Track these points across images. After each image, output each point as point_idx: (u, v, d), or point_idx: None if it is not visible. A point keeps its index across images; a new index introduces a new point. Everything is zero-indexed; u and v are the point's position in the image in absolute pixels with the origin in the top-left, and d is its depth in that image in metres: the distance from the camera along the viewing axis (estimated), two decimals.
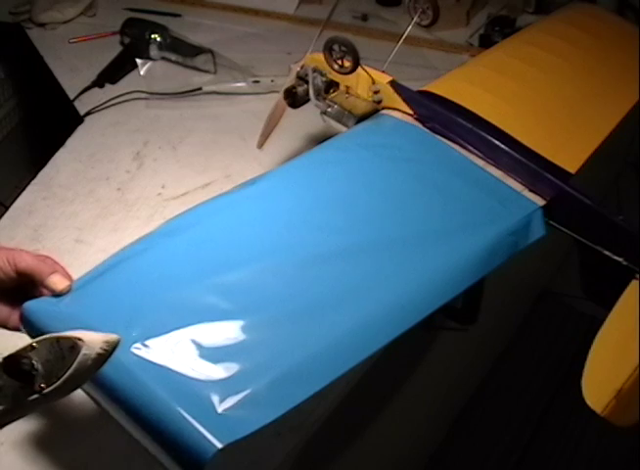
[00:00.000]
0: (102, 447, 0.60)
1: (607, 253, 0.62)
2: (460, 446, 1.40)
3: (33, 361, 0.38)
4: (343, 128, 0.77)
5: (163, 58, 1.16)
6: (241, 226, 0.60)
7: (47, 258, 0.53)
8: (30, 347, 0.38)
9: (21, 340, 0.47)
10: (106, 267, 0.54)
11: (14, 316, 0.52)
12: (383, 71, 0.76)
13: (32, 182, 0.92)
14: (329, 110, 0.79)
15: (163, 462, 0.47)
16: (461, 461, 1.39)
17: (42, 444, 0.60)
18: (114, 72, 1.13)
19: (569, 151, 0.71)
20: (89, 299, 0.52)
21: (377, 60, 0.77)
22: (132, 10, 1.29)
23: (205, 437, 0.44)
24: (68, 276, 0.52)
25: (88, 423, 0.61)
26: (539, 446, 1.43)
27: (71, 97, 1.05)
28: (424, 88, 0.78)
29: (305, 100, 0.81)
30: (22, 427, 0.61)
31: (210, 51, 1.12)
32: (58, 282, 0.51)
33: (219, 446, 0.43)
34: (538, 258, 1.25)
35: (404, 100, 0.74)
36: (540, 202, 0.65)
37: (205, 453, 0.43)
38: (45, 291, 0.52)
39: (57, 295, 0.51)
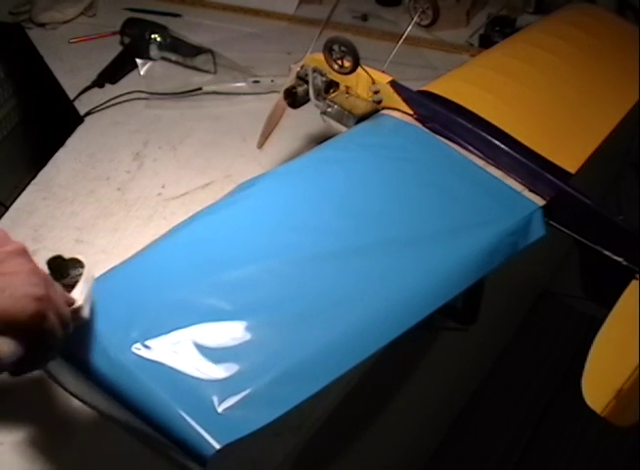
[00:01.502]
0: (102, 448, 0.60)
1: (607, 253, 0.62)
2: (460, 445, 1.40)
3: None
4: (343, 128, 0.77)
5: (163, 58, 1.16)
6: (241, 227, 0.60)
7: None
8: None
9: None
10: (107, 271, 0.55)
11: None
12: (383, 71, 0.76)
13: (32, 182, 0.92)
14: (329, 110, 0.79)
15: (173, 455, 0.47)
16: (461, 461, 1.39)
17: (42, 444, 0.60)
18: (114, 72, 1.13)
19: (569, 151, 0.71)
20: None
21: (377, 60, 0.77)
22: (132, 10, 1.29)
23: (203, 437, 0.44)
24: None
25: (88, 423, 0.61)
26: (539, 447, 1.43)
27: (71, 97, 1.05)
28: (424, 88, 0.78)
29: (305, 100, 0.81)
30: (23, 428, 0.61)
31: (210, 51, 1.12)
32: None
33: (217, 446, 0.43)
34: (538, 258, 1.25)
35: (404, 100, 0.74)
36: (540, 202, 0.65)
37: (204, 454, 0.43)
38: None
39: None
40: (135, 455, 0.58)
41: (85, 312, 0.47)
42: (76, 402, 0.56)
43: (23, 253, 0.44)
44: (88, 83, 1.10)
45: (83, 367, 0.48)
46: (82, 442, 0.60)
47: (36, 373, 0.54)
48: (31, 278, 0.42)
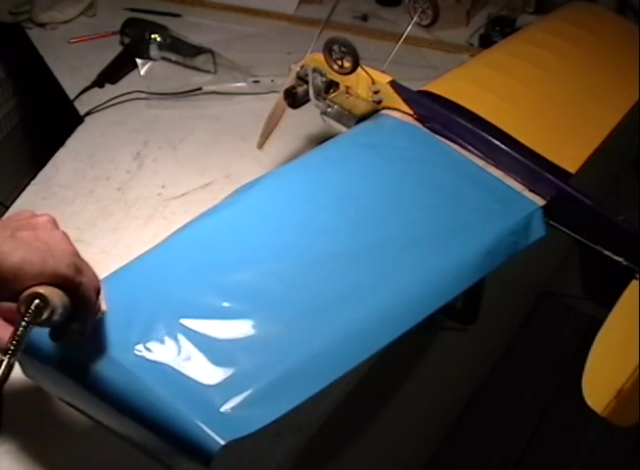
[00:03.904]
0: (98, 454, 0.60)
1: (607, 253, 0.62)
2: (460, 446, 1.40)
3: None
4: (343, 128, 0.77)
5: (163, 58, 1.16)
6: (242, 228, 0.60)
7: None
8: None
9: None
10: (108, 274, 0.55)
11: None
12: (383, 71, 0.76)
13: (32, 182, 0.92)
14: (329, 110, 0.79)
15: (171, 462, 0.47)
16: (461, 461, 1.39)
17: (39, 447, 0.60)
18: (114, 72, 1.13)
19: (569, 150, 0.71)
20: None
21: (377, 60, 0.77)
22: (132, 10, 1.29)
23: (208, 434, 0.44)
24: None
25: (84, 429, 0.61)
26: (539, 447, 1.42)
27: (71, 97, 1.05)
28: (424, 88, 0.78)
29: (305, 100, 0.81)
30: (20, 429, 0.61)
31: (210, 51, 1.12)
32: None
33: (222, 442, 0.43)
34: (538, 258, 1.25)
35: (404, 100, 0.74)
36: (540, 202, 0.65)
37: (209, 450, 0.43)
38: None
39: None
40: (131, 461, 0.58)
41: (104, 306, 0.48)
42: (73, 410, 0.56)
43: (54, 222, 0.48)
44: (88, 83, 1.10)
45: (83, 368, 0.48)
46: (79, 447, 0.60)
47: (30, 382, 0.54)
48: (64, 238, 0.46)
